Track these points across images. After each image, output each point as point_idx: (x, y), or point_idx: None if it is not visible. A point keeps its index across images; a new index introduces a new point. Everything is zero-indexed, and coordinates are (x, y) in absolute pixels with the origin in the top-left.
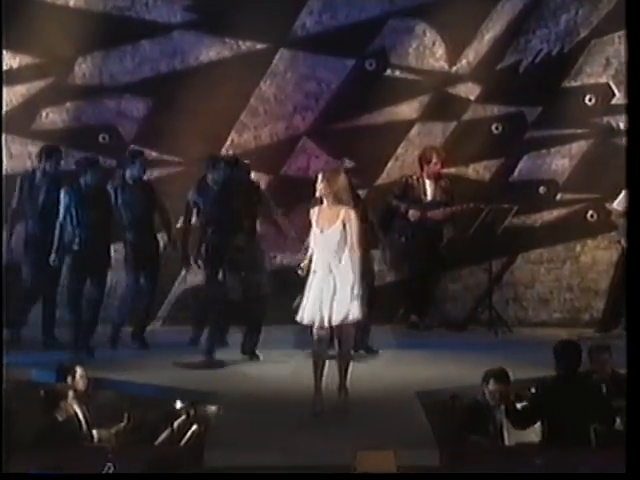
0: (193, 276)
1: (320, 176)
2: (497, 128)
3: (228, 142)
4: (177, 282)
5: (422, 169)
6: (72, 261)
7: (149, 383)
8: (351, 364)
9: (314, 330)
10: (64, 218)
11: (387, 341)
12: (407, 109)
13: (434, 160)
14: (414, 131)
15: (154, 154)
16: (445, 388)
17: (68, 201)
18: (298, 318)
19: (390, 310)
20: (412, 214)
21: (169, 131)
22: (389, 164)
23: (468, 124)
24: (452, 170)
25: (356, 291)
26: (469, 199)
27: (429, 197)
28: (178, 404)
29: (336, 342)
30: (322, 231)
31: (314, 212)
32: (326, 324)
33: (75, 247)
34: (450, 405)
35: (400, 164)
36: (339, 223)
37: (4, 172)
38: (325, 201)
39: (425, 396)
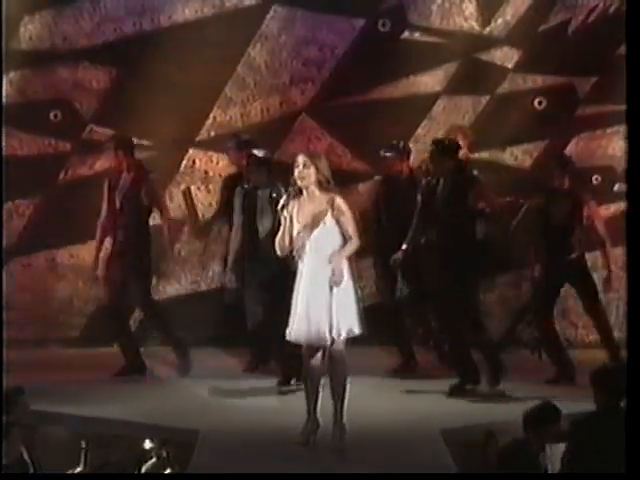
0: (170, 285)
1: (302, 161)
2: (540, 103)
3: (210, 120)
4: None
5: None
6: None
7: (112, 418)
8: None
9: (304, 358)
10: None
11: None
12: (429, 80)
13: (461, 143)
14: (438, 107)
15: None
16: (476, 425)
17: None
18: (287, 336)
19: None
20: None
21: (136, 107)
22: None
23: (504, 98)
24: (484, 155)
25: (356, 299)
26: (505, 191)
27: None
28: (147, 444)
29: (328, 370)
30: (309, 230)
31: (293, 207)
32: (319, 342)
33: None
34: (483, 446)
35: (421, 147)
36: (330, 217)
37: None
38: (306, 192)
39: (452, 434)
